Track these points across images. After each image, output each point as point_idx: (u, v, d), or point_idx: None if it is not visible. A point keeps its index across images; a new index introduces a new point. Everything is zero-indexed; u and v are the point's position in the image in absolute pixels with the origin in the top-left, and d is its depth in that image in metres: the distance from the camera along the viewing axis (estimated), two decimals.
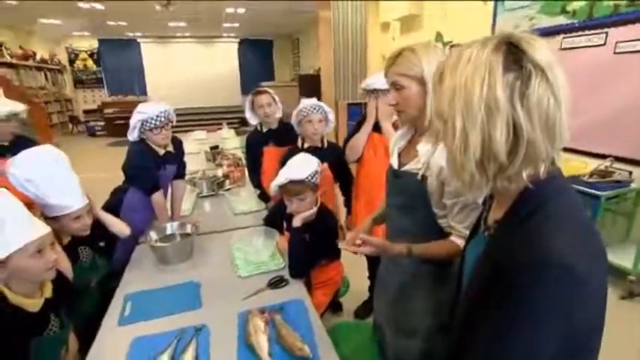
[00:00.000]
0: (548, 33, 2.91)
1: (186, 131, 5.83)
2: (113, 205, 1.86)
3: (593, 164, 2.61)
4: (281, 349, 1.10)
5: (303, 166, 1.53)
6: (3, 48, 7.48)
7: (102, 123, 9.57)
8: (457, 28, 3.98)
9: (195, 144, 4.40)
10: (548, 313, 0.51)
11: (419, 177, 1.01)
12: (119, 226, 1.57)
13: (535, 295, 0.51)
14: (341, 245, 1.09)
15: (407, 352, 1.16)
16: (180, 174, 2.04)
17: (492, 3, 3.45)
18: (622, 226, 2.63)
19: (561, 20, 2.85)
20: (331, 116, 2.09)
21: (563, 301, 0.51)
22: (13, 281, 0.99)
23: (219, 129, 5.37)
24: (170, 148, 1.88)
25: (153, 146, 1.79)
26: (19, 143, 1.96)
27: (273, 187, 1.54)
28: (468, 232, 0.97)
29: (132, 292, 1.41)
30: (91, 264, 1.45)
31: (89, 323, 1.26)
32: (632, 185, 2.47)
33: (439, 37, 4.28)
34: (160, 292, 1.41)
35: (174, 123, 1.86)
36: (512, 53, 0.53)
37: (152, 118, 1.72)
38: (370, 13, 5.83)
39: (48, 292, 1.08)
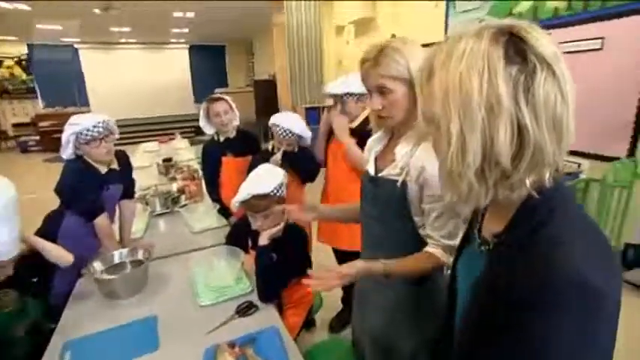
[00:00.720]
0: None
1: (135, 143, 5.41)
2: (47, 234, 1.60)
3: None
4: None
5: (267, 178, 1.40)
6: None
7: (36, 137, 8.65)
8: (411, 30, 4.05)
9: (145, 157, 4.08)
10: (572, 341, 0.44)
11: (399, 184, 0.93)
12: (58, 253, 1.31)
13: (556, 324, 0.44)
14: (306, 281, 0.95)
15: None
16: (128, 193, 1.82)
17: (444, 5, 3.53)
18: None
19: (510, 22, 2.97)
20: (306, 134, 1.97)
21: (590, 326, 0.44)
22: None
23: (172, 139, 5.05)
24: (114, 165, 1.65)
25: (93, 164, 1.56)
26: None
27: (234, 203, 1.39)
28: (448, 242, 0.91)
29: (72, 339, 1.19)
30: (18, 309, 1.21)
31: None
32: (581, 176, 2.61)
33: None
34: (108, 335, 1.21)
35: (117, 135, 1.64)
36: (514, 44, 0.46)
37: (88, 130, 1.49)
38: (324, 16, 5.81)
39: None
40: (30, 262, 1.27)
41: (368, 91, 0.97)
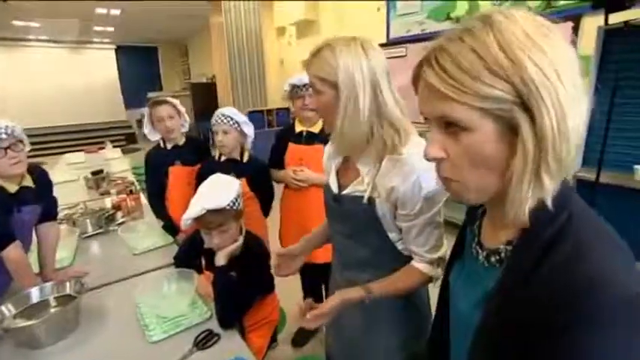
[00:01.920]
0: (436, 36, 3.15)
1: (56, 154, 4.76)
2: None
3: None
4: None
5: (222, 190, 1.24)
6: None
7: None
8: (353, 32, 4.07)
9: (70, 170, 3.59)
10: (612, 347, 0.38)
11: (365, 200, 0.85)
12: None
13: (604, 343, 0.38)
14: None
15: None
16: (48, 215, 1.52)
17: (384, 10, 3.60)
18: None
19: (447, 25, 3.11)
20: (247, 128, 1.82)
21: (636, 342, 0.39)
22: None
23: (102, 149, 4.54)
24: (28, 182, 1.36)
25: None
26: None
27: (185, 220, 1.20)
28: (434, 255, 0.86)
29: None
30: None
31: None
32: None
33: None
34: None
35: (28, 147, 1.35)
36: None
37: (5, 128, 1.20)
38: (264, 17, 5.66)
39: None
40: None
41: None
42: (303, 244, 1.13)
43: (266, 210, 1.99)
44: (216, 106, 6.89)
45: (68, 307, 1.19)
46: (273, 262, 1.10)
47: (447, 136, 0.48)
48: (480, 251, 0.59)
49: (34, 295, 1.24)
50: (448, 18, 3.07)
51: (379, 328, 0.97)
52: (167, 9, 6.37)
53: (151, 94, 8.61)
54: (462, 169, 0.48)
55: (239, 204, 1.27)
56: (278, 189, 1.98)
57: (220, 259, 1.23)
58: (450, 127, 0.47)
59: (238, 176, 1.78)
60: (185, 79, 10.62)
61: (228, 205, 1.20)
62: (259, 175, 1.88)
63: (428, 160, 0.51)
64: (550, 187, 0.44)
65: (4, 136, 1.19)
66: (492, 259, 0.56)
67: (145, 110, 1.96)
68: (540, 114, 0.41)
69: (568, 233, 0.44)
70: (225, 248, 1.24)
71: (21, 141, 1.29)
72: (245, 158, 1.87)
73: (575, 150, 0.44)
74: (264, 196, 1.93)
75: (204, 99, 7.58)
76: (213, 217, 1.18)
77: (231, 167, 1.76)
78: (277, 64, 6.05)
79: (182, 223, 1.21)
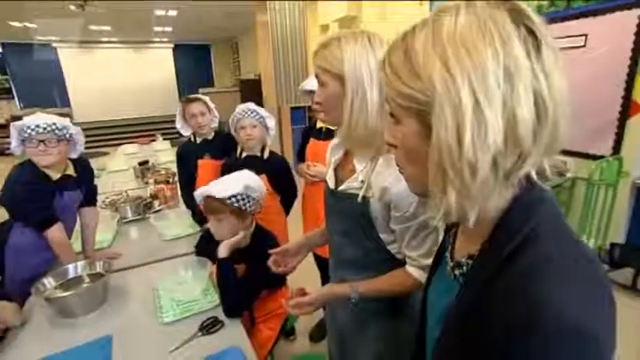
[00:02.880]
0: None
1: (118, 145, 5.23)
2: None
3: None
4: None
5: (229, 184, 1.32)
6: None
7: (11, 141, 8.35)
8: (395, 29, 3.98)
9: (125, 159, 3.92)
10: None
11: (359, 199, 0.84)
12: (8, 317, 1.19)
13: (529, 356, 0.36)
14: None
15: None
16: (89, 201, 1.69)
17: (428, 4, 3.47)
18: None
19: None
20: (270, 122, 1.89)
21: None
22: None
23: (152, 141, 4.90)
24: (70, 171, 1.53)
25: (42, 169, 1.43)
26: None
27: (196, 195, 1.36)
28: (427, 261, 0.82)
29: None
30: None
31: None
32: (568, 175, 2.58)
33: None
34: None
35: (77, 146, 1.51)
36: (516, 14, 0.39)
37: (28, 127, 1.35)
38: (309, 14, 5.72)
39: None
40: None
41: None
42: (301, 241, 1.15)
43: (288, 207, 2.03)
44: (261, 102, 7.14)
45: (97, 284, 1.33)
46: (271, 260, 1.12)
47: (393, 125, 0.48)
48: (449, 262, 0.57)
49: (71, 271, 1.40)
50: None
51: (366, 333, 0.96)
52: (219, 9, 6.67)
53: (203, 90, 9.09)
54: (402, 159, 0.50)
55: (243, 204, 1.32)
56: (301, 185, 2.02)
57: (222, 251, 1.29)
58: (393, 116, 0.48)
59: (258, 172, 1.84)
60: (235, 76, 11.06)
61: (226, 198, 1.27)
62: (279, 172, 1.92)
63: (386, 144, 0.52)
64: (457, 206, 0.40)
65: (40, 130, 1.35)
66: (456, 271, 0.54)
67: (178, 107, 2.09)
68: (438, 120, 0.39)
69: (526, 251, 0.41)
70: (226, 241, 1.30)
71: (63, 139, 1.43)
72: (265, 155, 1.92)
73: (487, 172, 0.39)
74: (285, 194, 1.97)
75: (251, 95, 7.83)
76: (210, 203, 1.29)
77: (252, 163, 1.82)
78: None
79: (196, 198, 1.36)
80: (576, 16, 2.50)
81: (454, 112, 0.38)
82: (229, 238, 1.31)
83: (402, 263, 0.88)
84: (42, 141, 1.36)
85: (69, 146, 1.48)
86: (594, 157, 2.47)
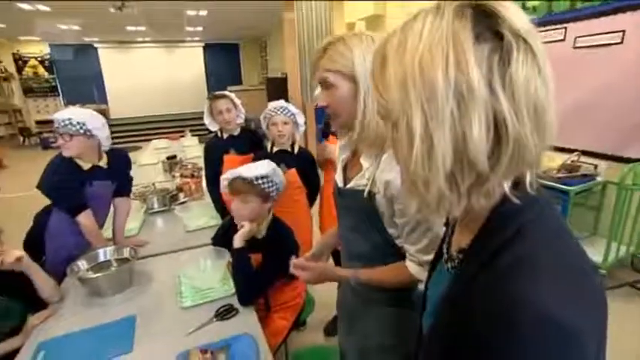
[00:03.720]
0: None
1: (150, 140, 5.48)
2: (37, 232, 1.62)
3: (560, 159, 2.58)
4: None
5: (255, 167, 1.41)
6: None
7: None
8: None
9: (154, 154, 4.11)
10: None
11: (365, 195, 0.86)
12: (49, 294, 1.32)
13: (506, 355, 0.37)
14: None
15: None
16: (121, 191, 1.80)
17: None
18: (589, 220, 2.62)
19: None
20: (300, 118, 1.97)
21: None
22: None
23: (182, 137, 5.09)
24: (102, 163, 1.64)
25: (75, 159, 1.55)
26: None
27: (222, 179, 1.45)
28: (425, 258, 0.83)
29: (47, 340, 1.17)
30: (5, 312, 1.22)
31: None
32: (598, 178, 2.46)
33: None
34: (84, 336, 1.19)
35: (103, 140, 1.61)
36: (484, 17, 0.38)
37: (60, 121, 1.48)
38: (335, 13, 5.73)
39: None
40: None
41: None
42: (318, 247, 1.18)
43: (311, 199, 2.10)
44: (286, 100, 7.23)
45: (123, 268, 1.43)
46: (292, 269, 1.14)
47: None
48: (445, 254, 0.58)
49: (101, 255, 1.51)
50: (523, 8, 2.79)
51: (370, 326, 0.98)
52: (247, 7, 6.81)
53: (231, 88, 9.32)
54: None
55: (268, 187, 1.40)
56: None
57: (237, 241, 1.35)
58: None
59: (289, 167, 1.91)
60: (263, 74, 11.24)
61: (254, 179, 1.35)
62: (307, 165, 2.01)
63: None
64: (414, 208, 0.45)
65: (68, 125, 1.47)
66: (449, 264, 0.55)
67: (206, 103, 2.18)
68: (396, 134, 0.43)
69: (510, 249, 0.42)
70: (240, 231, 1.36)
71: (78, 134, 1.50)
72: (295, 149, 1.99)
73: (442, 183, 0.41)
74: (310, 186, 2.04)
75: (277, 93, 7.95)
76: (239, 185, 1.37)
77: (282, 158, 1.89)
78: None
79: (221, 184, 1.45)
80: (613, 12, 2.38)
81: (407, 129, 0.40)
82: (249, 220, 1.37)
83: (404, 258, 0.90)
84: (61, 134, 1.48)
85: (93, 140, 1.57)
86: (628, 161, 2.35)
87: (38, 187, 1.52)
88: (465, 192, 0.41)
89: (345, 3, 5.39)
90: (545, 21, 2.69)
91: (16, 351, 1.14)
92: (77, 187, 1.52)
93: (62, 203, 1.54)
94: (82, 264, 1.44)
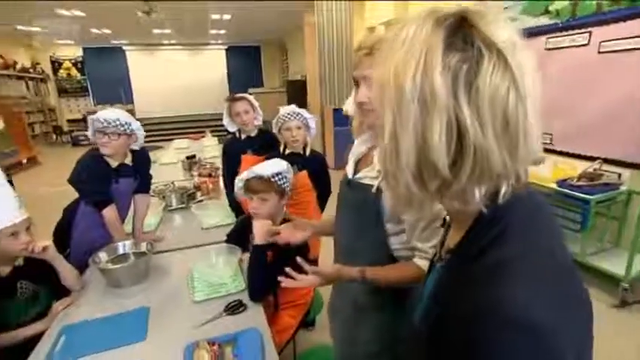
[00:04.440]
0: (532, 34, 2.83)
1: (172, 140, 5.67)
2: (65, 223, 1.72)
3: (581, 167, 2.51)
4: None
5: (269, 165, 1.45)
6: None
7: (87, 133, 9.32)
8: None
9: (175, 153, 4.25)
10: None
11: (374, 189, 0.88)
12: (71, 282, 1.41)
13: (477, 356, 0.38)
14: (281, 278, 0.98)
15: None
16: (142, 188, 1.89)
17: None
18: (613, 231, 2.53)
19: (544, 21, 2.77)
20: (312, 123, 2.01)
21: None
22: None
23: (202, 137, 5.23)
24: (128, 161, 1.73)
25: (105, 157, 1.65)
26: None
27: (237, 181, 1.48)
28: None
29: (69, 324, 1.25)
30: (32, 297, 1.31)
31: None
32: (622, 188, 2.38)
33: None
34: (103, 323, 1.26)
35: (137, 139, 1.72)
36: (461, 28, 0.39)
37: (98, 120, 1.59)
38: (356, 16, 5.76)
39: None
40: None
41: (355, 82, 0.90)
42: (311, 222, 1.23)
43: (322, 203, 2.12)
44: (305, 103, 7.31)
45: (140, 261, 1.51)
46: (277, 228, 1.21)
47: None
48: (437, 254, 0.60)
49: (120, 248, 1.58)
50: (546, 12, 2.73)
51: (362, 328, 1.00)
52: (269, 10, 6.94)
53: (252, 90, 9.48)
54: None
55: (284, 183, 1.45)
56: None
57: (258, 238, 1.38)
58: None
59: (300, 169, 1.95)
60: (283, 77, 11.40)
61: (271, 176, 1.40)
62: (318, 167, 2.04)
63: None
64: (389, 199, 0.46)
65: (106, 125, 1.58)
66: (439, 264, 0.57)
67: (225, 105, 2.25)
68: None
69: (489, 253, 0.43)
70: (260, 230, 1.39)
71: (124, 133, 1.63)
72: (307, 152, 2.03)
73: (411, 182, 0.42)
74: (321, 189, 2.06)
75: (297, 95, 8.05)
76: (257, 184, 1.41)
77: (294, 160, 1.93)
78: None
79: (235, 185, 1.48)
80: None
81: (380, 127, 0.43)
82: (268, 218, 1.41)
83: (395, 260, 0.91)
84: (107, 133, 1.57)
85: (130, 139, 1.69)
86: None
87: (69, 180, 1.63)
88: (434, 193, 0.42)
89: (367, 7, 5.41)
90: (568, 25, 2.63)
91: (40, 334, 1.22)
92: (105, 182, 1.62)
93: (90, 197, 1.64)
94: (103, 256, 1.52)
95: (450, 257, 0.52)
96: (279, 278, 0.98)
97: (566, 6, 2.63)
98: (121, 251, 1.58)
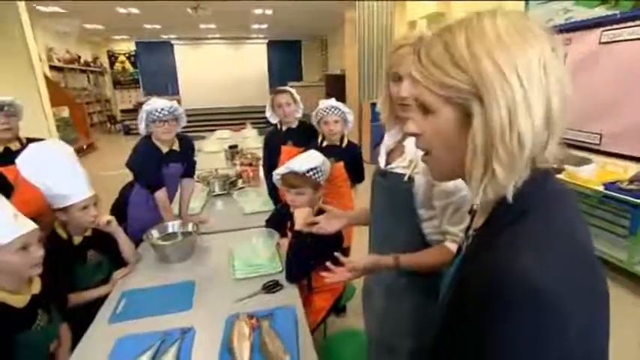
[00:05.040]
0: (586, 26, 2.68)
1: (214, 130, 5.95)
2: (121, 203, 1.91)
3: (634, 170, 2.36)
4: (263, 359, 1.05)
5: (304, 160, 1.52)
6: (52, 53, 8.01)
7: (137, 122, 10.00)
8: None
9: (217, 143, 4.46)
10: (515, 346, 0.42)
11: (406, 178, 0.93)
12: (128, 255, 1.58)
13: (490, 320, 0.42)
14: (323, 274, 1.04)
15: None
16: (188, 173, 2.05)
17: (522, 3, 3.21)
18: None
19: (599, 12, 2.60)
20: (349, 117, 2.09)
21: (537, 336, 0.41)
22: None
23: (243, 128, 5.43)
24: (176, 147, 1.89)
25: (157, 144, 1.81)
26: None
27: (274, 175, 1.57)
28: None
29: (128, 289, 1.42)
30: (98, 265, 1.49)
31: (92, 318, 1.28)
32: None
33: None
34: (155, 291, 1.41)
35: (181, 122, 1.86)
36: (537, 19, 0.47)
37: (157, 110, 1.74)
38: (397, 12, 5.69)
39: (36, 288, 1.10)
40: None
41: (397, 78, 0.95)
42: (346, 212, 1.29)
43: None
44: (344, 97, 7.34)
45: (186, 240, 1.66)
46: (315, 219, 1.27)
47: (422, 116, 0.55)
48: (464, 237, 0.64)
49: (169, 227, 1.74)
50: (603, 2, 2.56)
51: (397, 309, 1.04)
52: (310, 7, 7.02)
53: (291, 84, 9.66)
54: (431, 146, 0.55)
55: (319, 177, 1.51)
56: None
57: (298, 224, 1.47)
58: (423, 108, 0.54)
59: (337, 160, 2.02)
60: (323, 71, 11.47)
61: (306, 172, 1.47)
62: (353, 158, 2.11)
63: (407, 134, 0.60)
64: (504, 180, 0.46)
65: (166, 113, 1.73)
66: (464, 244, 0.61)
67: (269, 97, 2.36)
68: (490, 106, 0.45)
69: (510, 229, 0.47)
70: (302, 218, 1.48)
71: (177, 119, 1.79)
72: (344, 144, 2.10)
73: (530, 149, 0.45)
74: (356, 178, 2.13)
75: (336, 89, 8.08)
76: (292, 179, 1.48)
77: (331, 152, 2.00)
78: None
79: (273, 178, 1.57)
80: None
81: (505, 97, 0.44)
82: (305, 208, 1.49)
83: (428, 245, 0.95)
84: (165, 121, 1.73)
85: (178, 124, 1.86)
86: None
87: (127, 165, 1.81)
88: (529, 157, 0.46)
89: (407, 5, 5.32)
90: (628, 17, 2.44)
91: (102, 297, 1.39)
92: (157, 167, 1.79)
93: (144, 180, 1.81)
94: (155, 233, 1.69)
95: (475, 235, 0.56)
96: (322, 274, 1.04)
97: None
98: (170, 230, 1.73)
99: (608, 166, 2.54)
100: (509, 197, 0.47)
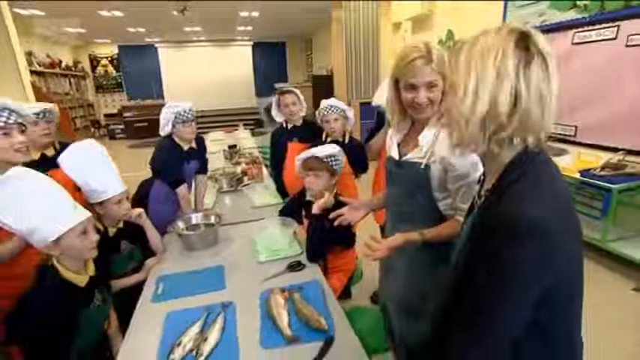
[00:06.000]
0: (559, 28, 2.94)
1: (203, 132, 6.02)
2: (141, 198, 2.01)
3: (605, 158, 2.62)
4: (299, 322, 1.20)
5: (324, 148, 1.71)
6: (32, 57, 7.85)
7: (121, 126, 9.91)
8: (468, 26, 4.02)
9: (213, 144, 4.56)
10: (521, 266, 0.59)
11: (422, 166, 1.10)
12: (156, 244, 1.70)
13: (508, 253, 0.59)
14: (362, 254, 1.18)
15: (413, 333, 1.23)
16: (202, 169, 2.18)
17: (502, 3, 3.47)
18: (636, 219, 2.64)
19: (571, 15, 2.87)
20: (349, 113, 2.23)
21: (536, 257, 0.58)
22: (64, 258, 1.13)
23: (236, 130, 5.53)
24: (193, 145, 2.01)
25: (178, 142, 1.93)
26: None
27: (297, 160, 1.74)
28: None
29: (163, 274, 1.54)
30: (130, 254, 1.61)
31: (127, 303, 1.39)
32: None
33: (450, 34, 4.32)
34: (188, 275, 1.54)
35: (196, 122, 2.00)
36: (522, 39, 0.63)
37: (185, 111, 1.88)
38: (382, 13, 5.91)
39: (91, 270, 1.22)
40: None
41: (412, 87, 1.09)
42: (364, 201, 1.45)
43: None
44: (332, 97, 7.51)
45: (209, 230, 1.80)
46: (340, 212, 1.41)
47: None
48: (476, 197, 0.82)
49: (193, 219, 1.87)
50: (574, 7, 2.83)
51: (421, 275, 1.20)
52: (297, 7, 7.16)
53: (277, 85, 9.77)
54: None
55: (335, 164, 1.69)
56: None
57: (315, 209, 1.63)
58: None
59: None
60: (308, 71, 11.63)
61: (325, 157, 1.66)
62: (355, 151, 2.25)
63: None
64: (454, 141, 0.71)
65: (194, 113, 1.85)
66: (478, 202, 0.78)
67: (274, 97, 2.50)
68: (457, 93, 0.66)
69: (514, 186, 0.65)
70: (317, 202, 1.63)
71: (193, 120, 1.94)
72: (346, 140, 2.26)
73: (477, 125, 0.64)
74: (359, 168, 2.29)
75: (322, 90, 8.27)
76: (312, 162, 1.67)
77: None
78: (391, 59, 6.24)
79: (296, 162, 1.74)
80: None
81: (464, 89, 0.65)
82: (319, 192, 1.66)
83: (444, 217, 1.13)
84: (192, 121, 1.88)
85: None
86: None
87: (150, 163, 1.92)
88: (487, 135, 0.65)
89: (393, 3, 5.55)
90: (596, 20, 2.72)
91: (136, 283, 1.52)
92: (179, 164, 1.91)
93: (168, 176, 1.93)
94: (181, 224, 1.81)
95: (487, 194, 0.73)
96: (364, 252, 1.16)
97: (595, 0, 2.72)
98: (193, 221, 1.86)
99: (583, 155, 2.81)
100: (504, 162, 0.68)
